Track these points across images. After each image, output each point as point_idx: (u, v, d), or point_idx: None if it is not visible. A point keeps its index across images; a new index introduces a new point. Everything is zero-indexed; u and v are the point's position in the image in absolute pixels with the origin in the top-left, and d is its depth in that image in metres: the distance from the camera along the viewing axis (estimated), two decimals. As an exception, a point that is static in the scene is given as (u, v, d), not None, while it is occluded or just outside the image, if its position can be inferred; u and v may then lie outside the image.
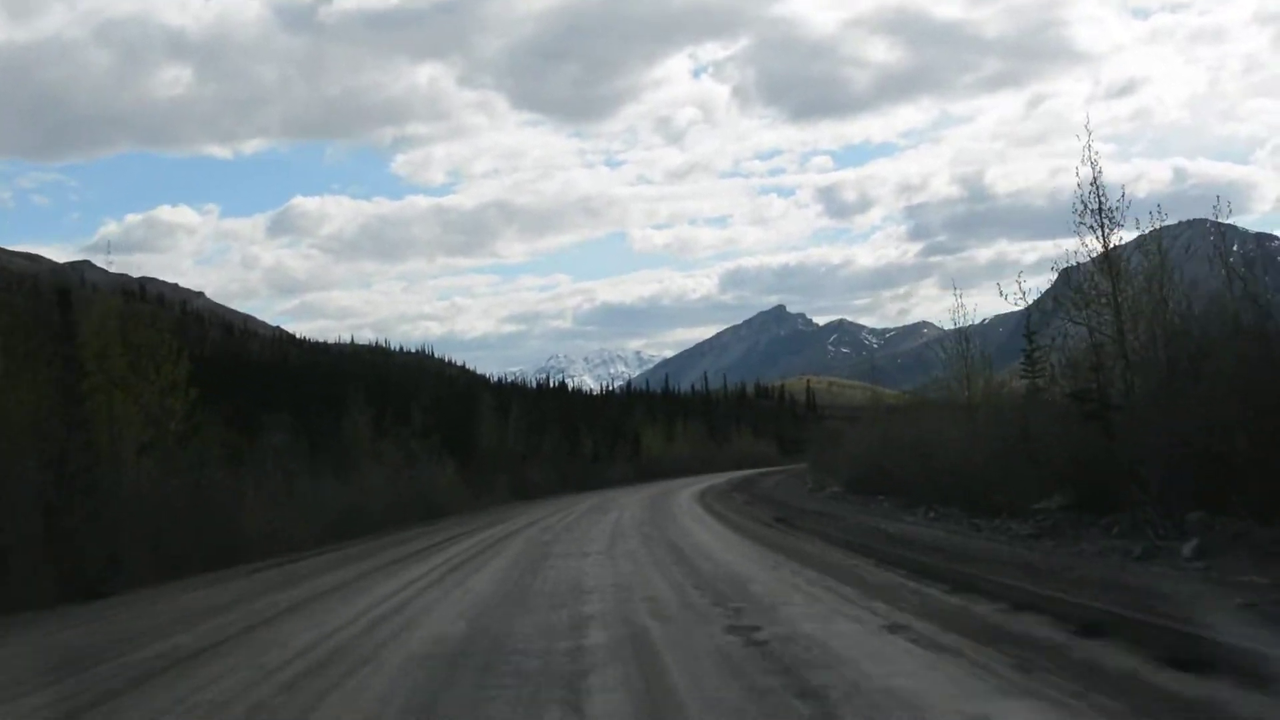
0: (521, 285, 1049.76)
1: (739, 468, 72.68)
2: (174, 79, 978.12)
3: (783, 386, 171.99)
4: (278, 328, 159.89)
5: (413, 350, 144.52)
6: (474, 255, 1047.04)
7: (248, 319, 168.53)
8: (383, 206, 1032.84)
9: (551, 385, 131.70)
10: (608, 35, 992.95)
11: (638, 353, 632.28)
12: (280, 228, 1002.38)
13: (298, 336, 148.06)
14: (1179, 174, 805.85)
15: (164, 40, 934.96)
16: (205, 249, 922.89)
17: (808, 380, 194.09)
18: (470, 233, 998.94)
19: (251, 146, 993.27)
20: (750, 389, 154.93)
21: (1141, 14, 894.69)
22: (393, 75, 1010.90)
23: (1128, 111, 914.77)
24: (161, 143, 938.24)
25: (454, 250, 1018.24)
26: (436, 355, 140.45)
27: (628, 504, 32.76)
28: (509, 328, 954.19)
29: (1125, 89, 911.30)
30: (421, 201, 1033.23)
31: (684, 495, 37.37)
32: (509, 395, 71.57)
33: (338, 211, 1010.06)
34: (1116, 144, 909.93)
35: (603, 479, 53.56)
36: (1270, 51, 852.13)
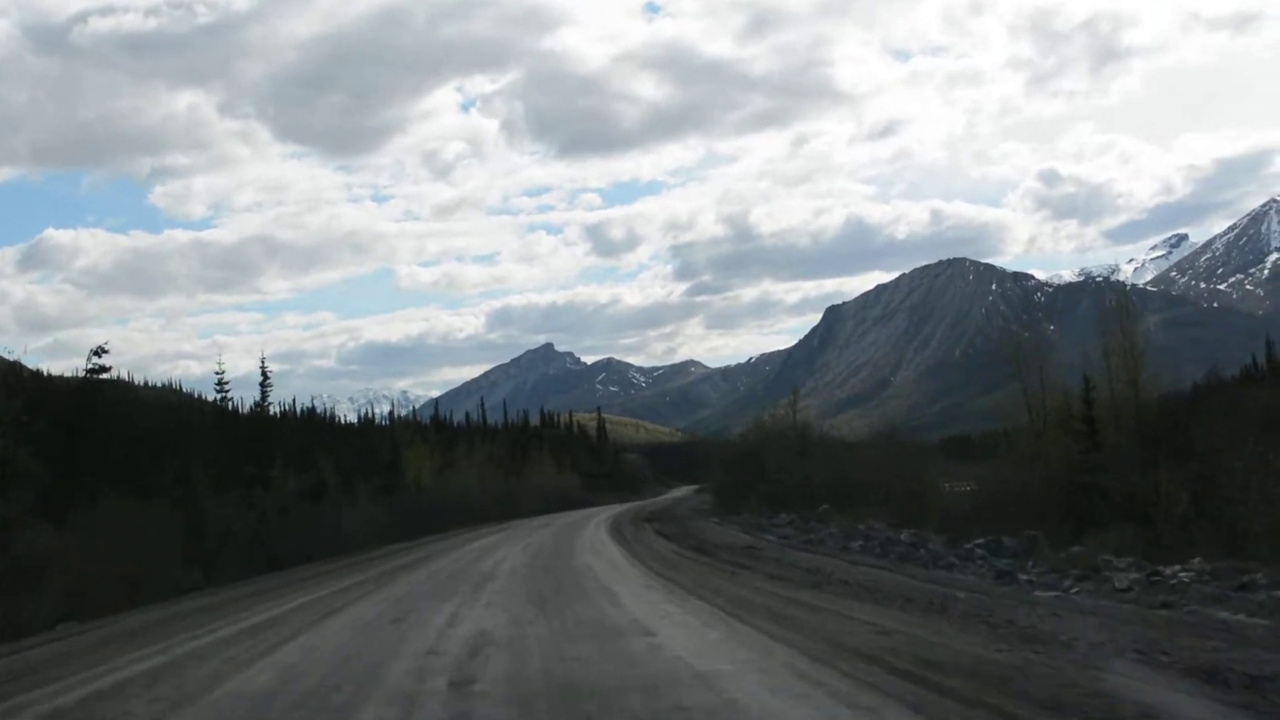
0: (285, 323, 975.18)
1: (555, 508, 48.85)
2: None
3: (571, 414, 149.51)
4: (16, 360, 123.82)
5: (158, 385, 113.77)
6: (236, 292, 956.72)
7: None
8: (140, 240, 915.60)
9: (281, 410, 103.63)
10: (373, 65, 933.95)
11: (404, 392, 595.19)
12: (32, 261, 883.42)
13: (41, 373, 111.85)
14: (936, 216, 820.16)
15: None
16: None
17: (598, 410, 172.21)
18: (232, 268, 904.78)
19: (1, 175, 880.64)
20: (535, 418, 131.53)
21: (902, 55, 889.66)
22: (151, 101, 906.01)
23: (889, 153, 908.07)
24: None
25: (215, 286, 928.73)
26: (185, 391, 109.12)
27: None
28: (272, 366, 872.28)
29: (886, 130, 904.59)
30: (181, 235, 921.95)
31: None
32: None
33: (93, 245, 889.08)
34: (878, 185, 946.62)
35: (318, 539, 27.84)
36: (1023, 95, 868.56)
